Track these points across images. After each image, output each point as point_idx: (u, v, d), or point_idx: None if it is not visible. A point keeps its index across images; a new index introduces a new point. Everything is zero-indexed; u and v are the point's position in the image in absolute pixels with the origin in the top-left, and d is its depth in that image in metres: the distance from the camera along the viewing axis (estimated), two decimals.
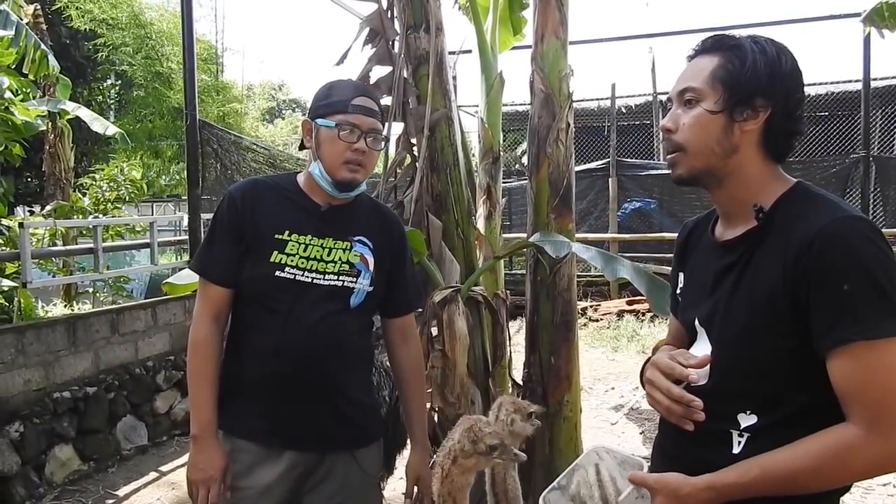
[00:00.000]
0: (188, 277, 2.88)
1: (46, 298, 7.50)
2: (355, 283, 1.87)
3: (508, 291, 3.71)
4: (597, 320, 8.90)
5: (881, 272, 1.17)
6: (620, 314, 8.76)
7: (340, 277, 1.85)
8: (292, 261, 1.82)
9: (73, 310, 6.72)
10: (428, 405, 2.90)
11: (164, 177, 14.34)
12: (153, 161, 13.85)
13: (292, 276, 1.81)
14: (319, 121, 1.84)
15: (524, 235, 3.22)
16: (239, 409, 1.87)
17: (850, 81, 11.16)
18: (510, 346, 3.61)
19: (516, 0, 4.79)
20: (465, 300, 2.94)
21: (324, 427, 1.86)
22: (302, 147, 1.99)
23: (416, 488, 2.04)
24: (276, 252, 1.81)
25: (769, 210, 1.30)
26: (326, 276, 1.84)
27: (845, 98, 11.30)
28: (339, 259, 1.86)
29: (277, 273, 1.81)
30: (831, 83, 11.92)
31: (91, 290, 7.58)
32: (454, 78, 4.72)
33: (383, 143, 1.95)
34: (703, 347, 1.38)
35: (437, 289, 2.90)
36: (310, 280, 1.82)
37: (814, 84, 11.98)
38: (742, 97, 1.30)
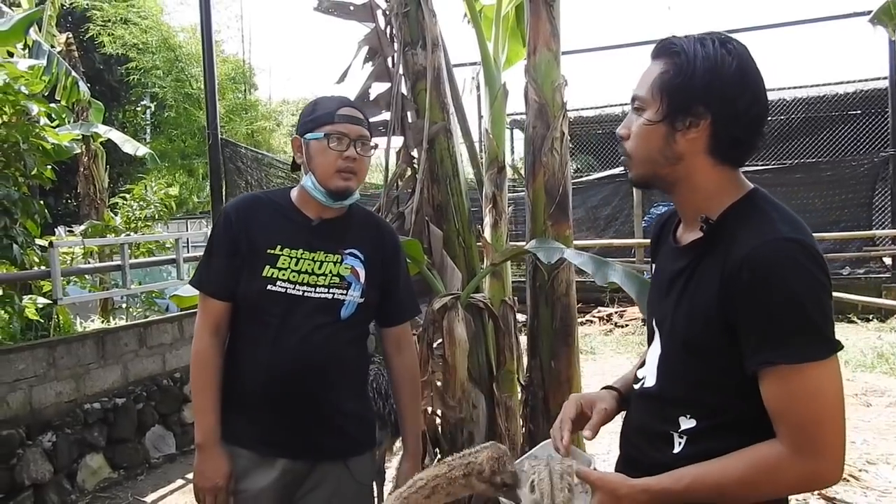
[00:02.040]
0: (192, 290, 3.02)
1: (85, 315, 7.77)
2: (346, 295, 1.92)
3: (516, 298, 3.79)
4: (623, 326, 8.90)
5: (807, 297, 1.17)
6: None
7: (331, 290, 1.91)
8: (284, 275, 1.88)
9: (108, 325, 6.96)
10: (429, 409, 3.00)
11: (197, 194, 14.70)
12: (186, 179, 14.21)
13: (283, 290, 1.88)
14: (308, 135, 1.91)
15: None
16: (234, 418, 1.94)
17: (879, 79, 11.01)
18: (517, 351, 3.68)
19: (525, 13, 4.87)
20: (466, 307, 3.02)
21: (315, 437, 1.92)
22: (294, 167, 2.07)
23: None
24: (268, 266, 1.88)
25: (716, 221, 1.29)
26: (317, 290, 1.90)
27: (876, 96, 11.14)
28: (330, 272, 1.92)
29: (269, 287, 1.87)
30: (860, 81, 11.77)
31: (124, 305, 7.83)
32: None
33: (372, 150, 2.00)
34: (656, 349, 1.42)
35: (438, 296, 2.98)
36: (301, 293, 1.88)
37: (843, 82, 11.85)
38: (679, 106, 1.27)
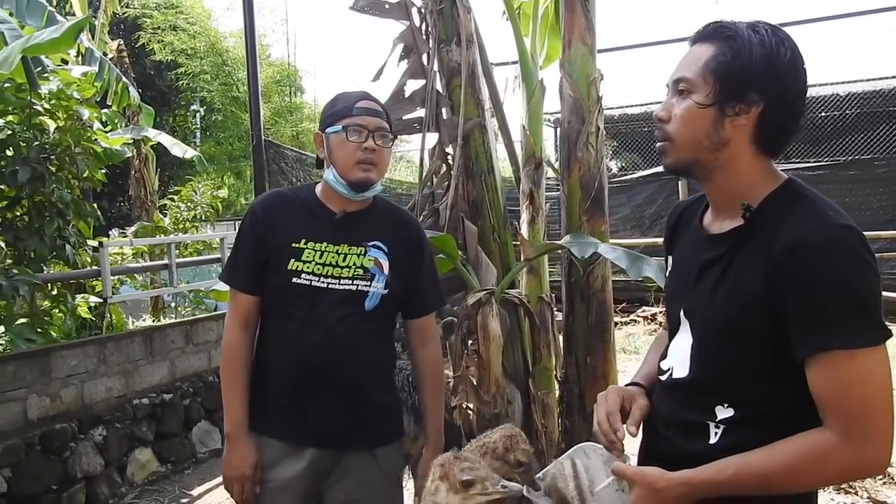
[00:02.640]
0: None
1: (137, 314, 7.98)
2: (369, 286, 1.95)
3: (554, 295, 3.78)
4: None
5: (862, 282, 1.17)
6: None
7: (355, 281, 1.94)
8: (308, 267, 1.92)
9: (158, 323, 7.14)
10: (464, 404, 3.00)
11: (244, 196, 14.98)
12: (234, 181, 14.49)
13: (308, 282, 1.92)
14: (329, 129, 1.95)
15: None
16: (264, 409, 1.99)
17: None
18: (556, 348, 3.67)
19: None
20: (501, 303, 3.02)
21: (342, 427, 1.95)
22: (319, 164, 2.10)
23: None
24: (292, 259, 1.92)
25: (756, 209, 1.28)
26: (342, 281, 1.93)
27: None
28: (354, 264, 1.95)
29: (294, 280, 1.92)
30: None
31: (173, 304, 8.02)
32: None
33: (391, 142, 2.02)
34: (685, 339, 1.39)
35: (472, 291, 2.99)
36: (325, 285, 1.92)
37: (886, 77, 11.49)
38: (733, 91, 1.26)
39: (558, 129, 3.33)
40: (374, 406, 2.01)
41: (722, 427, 1.29)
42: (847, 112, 11.31)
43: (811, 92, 11.67)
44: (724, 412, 1.29)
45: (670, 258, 1.54)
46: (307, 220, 1.99)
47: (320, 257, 1.94)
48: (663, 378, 1.44)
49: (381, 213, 2.07)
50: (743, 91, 1.25)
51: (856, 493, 3.90)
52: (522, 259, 3.28)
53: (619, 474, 1.31)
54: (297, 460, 1.95)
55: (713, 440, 1.30)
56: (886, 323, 1.21)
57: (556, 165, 3.54)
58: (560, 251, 3.14)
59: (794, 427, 1.21)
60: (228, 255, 2.13)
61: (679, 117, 1.32)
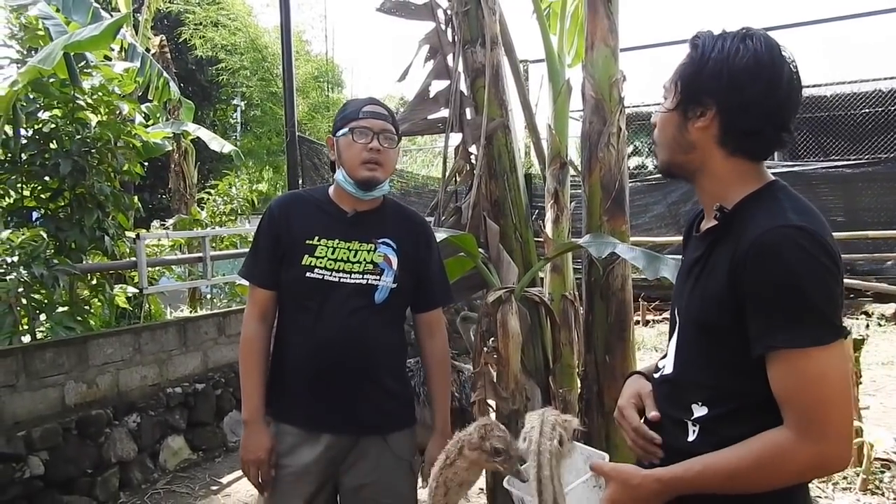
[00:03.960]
0: None
1: (175, 305, 8.19)
2: (379, 280, 2.07)
3: (578, 293, 3.80)
4: None
5: (810, 282, 1.18)
6: None
7: (365, 276, 2.06)
8: (321, 262, 2.04)
9: (192, 314, 7.32)
10: (489, 401, 3.05)
11: (282, 190, 15.18)
12: (272, 175, 14.69)
13: (321, 277, 2.03)
14: (338, 133, 2.10)
15: None
16: (282, 397, 2.11)
17: None
18: (579, 346, 3.69)
19: None
20: (521, 300, 3.05)
21: (356, 413, 2.06)
22: (332, 167, 2.22)
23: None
24: (306, 255, 2.05)
25: (731, 210, 1.32)
26: (353, 276, 2.05)
27: None
28: (364, 260, 2.07)
29: (308, 274, 2.04)
30: None
31: (209, 296, 8.21)
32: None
33: (397, 144, 2.15)
34: (675, 337, 1.45)
35: (492, 289, 3.03)
36: (337, 279, 2.04)
37: None
38: (690, 96, 1.33)
39: (581, 129, 3.34)
40: (386, 393, 2.12)
41: (698, 425, 1.33)
42: (890, 108, 11.06)
43: (850, 89, 11.46)
44: (699, 410, 1.34)
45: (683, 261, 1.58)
46: (321, 219, 2.11)
47: (332, 253, 2.05)
48: (657, 375, 1.50)
49: (390, 213, 2.19)
50: (697, 95, 1.32)
51: (882, 495, 3.87)
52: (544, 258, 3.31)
53: (597, 470, 1.35)
54: (314, 446, 2.06)
55: (691, 437, 1.34)
56: None
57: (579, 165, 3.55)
58: (582, 249, 3.16)
59: (769, 426, 1.23)
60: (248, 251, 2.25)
61: (657, 122, 1.42)
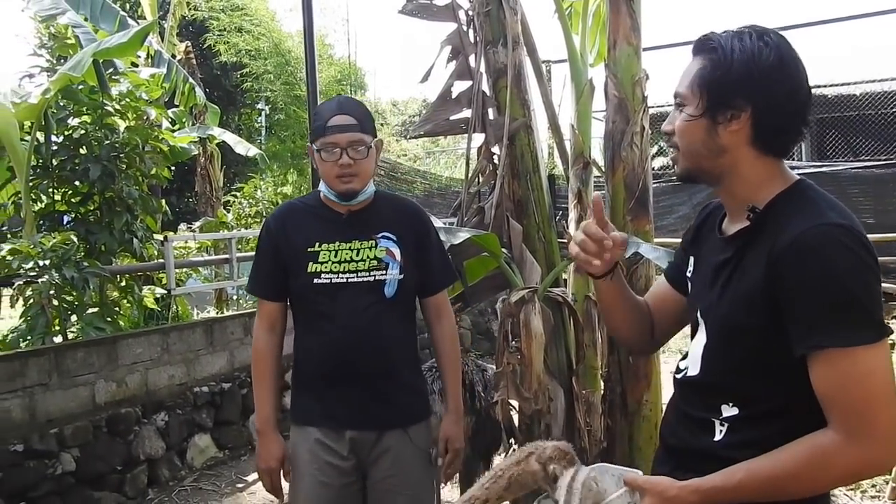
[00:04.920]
0: None
1: (202, 306, 8.29)
2: (385, 275, 2.11)
3: None
4: None
5: (855, 280, 1.18)
6: None
7: (371, 273, 2.10)
8: (326, 267, 2.08)
9: (219, 314, 7.40)
10: (512, 401, 3.06)
11: (307, 192, 15.25)
12: (297, 178, 14.80)
13: (329, 281, 2.08)
14: (314, 145, 2.11)
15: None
16: (304, 400, 2.17)
17: None
18: (602, 346, 3.68)
19: None
20: (544, 300, 3.06)
21: (378, 409, 2.11)
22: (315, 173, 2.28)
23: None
24: (310, 263, 2.09)
25: (762, 210, 1.31)
26: (359, 274, 2.09)
27: None
28: (368, 257, 2.11)
29: (315, 281, 2.08)
30: None
31: (235, 297, 8.29)
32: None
33: (368, 150, 2.10)
34: (700, 339, 1.43)
35: (515, 289, 3.04)
36: (345, 280, 2.08)
37: None
38: (719, 100, 1.30)
39: (604, 128, 3.33)
40: (405, 386, 2.17)
41: (727, 425, 1.32)
42: None
43: (880, 87, 11.28)
44: (729, 410, 1.32)
45: (692, 258, 1.56)
46: (318, 225, 2.15)
47: (335, 256, 2.09)
48: (679, 376, 1.48)
49: (384, 207, 2.23)
50: (728, 98, 1.29)
51: None
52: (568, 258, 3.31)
53: (630, 484, 1.32)
54: (339, 444, 2.10)
55: (718, 437, 1.33)
56: None
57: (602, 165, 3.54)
58: None
59: (798, 426, 1.23)
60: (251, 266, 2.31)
61: (678, 129, 1.38)
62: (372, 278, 2.10)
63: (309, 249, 2.10)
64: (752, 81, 1.27)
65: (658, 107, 10.42)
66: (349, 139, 2.05)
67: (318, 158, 2.09)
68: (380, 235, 2.14)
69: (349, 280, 2.08)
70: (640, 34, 3.17)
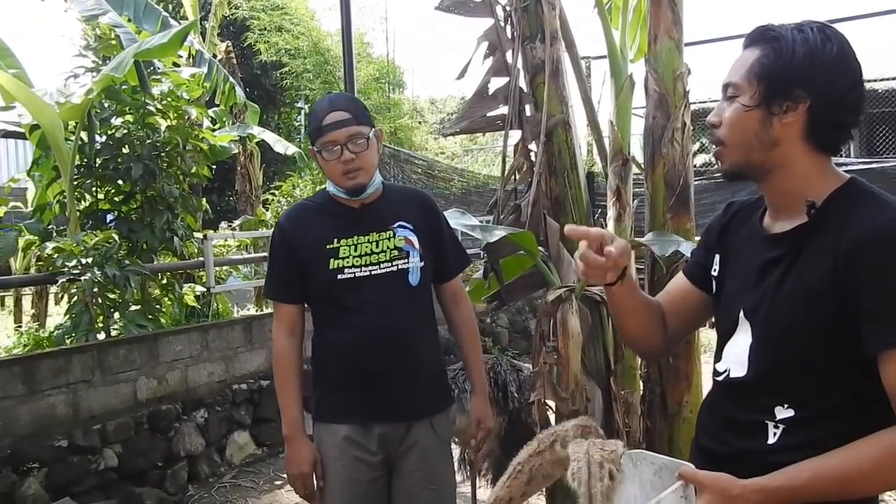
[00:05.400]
0: None
1: (242, 303, 8.38)
2: (407, 263, 2.11)
3: None
4: None
5: None
6: None
7: (394, 262, 2.10)
8: (348, 262, 2.07)
9: (258, 312, 7.47)
10: (541, 400, 3.01)
11: None
12: None
13: (352, 275, 2.07)
14: (314, 147, 2.11)
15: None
16: (330, 399, 2.15)
17: None
18: None
19: None
20: (581, 299, 3.01)
21: (407, 400, 2.11)
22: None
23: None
24: (332, 259, 2.07)
25: (821, 206, 1.27)
26: (382, 265, 2.08)
27: None
28: (388, 247, 2.10)
29: (339, 276, 2.07)
30: None
31: None
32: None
33: (368, 141, 2.08)
34: (744, 339, 1.37)
35: (552, 288, 2.99)
36: (368, 273, 2.07)
37: None
38: (778, 90, 1.27)
39: (643, 124, 3.27)
40: (431, 375, 2.18)
41: (781, 427, 1.28)
42: None
43: None
44: (784, 412, 1.28)
45: (718, 257, 1.51)
46: (333, 222, 2.14)
47: (356, 250, 2.09)
48: (720, 379, 1.42)
49: (394, 197, 2.23)
50: (788, 89, 1.26)
51: None
52: None
53: (690, 478, 1.25)
54: (368, 439, 2.09)
55: (772, 440, 1.28)
56: None
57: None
58: (643, 248, 3.09)
59: (856, 426, 1.20)
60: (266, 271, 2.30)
61: (728, 120, 1.34)
62: (395, 268, 2.09)
63: (328, 247, 2.09)
64: (814, 73, 1.25)
65: (700, 102, 10.22)
66: (347, 134, 2.04)
67: (321, 159, 2.09)
68: (396, 225, 2.14)
69: (373, 272, 2.07)
70: (681, 28, 3.09)
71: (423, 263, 2.13)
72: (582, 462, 1.28)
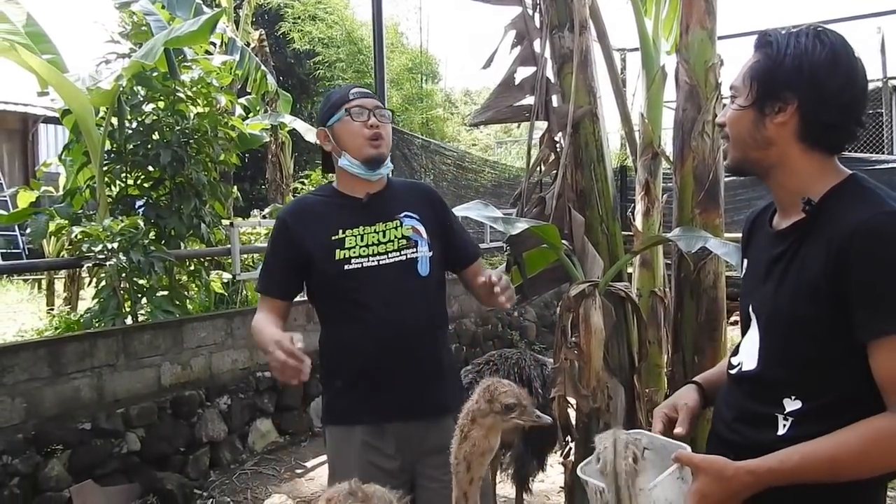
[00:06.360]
0: None
1: None
2: (416, 252, 2.04)
3: (668, 290, 3.63)
4: None
5: None
6: None
7: (402, 252, 2.03)
8: (354, 252, 2.00)
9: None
10: (562, 396, 2.96)
11: None
12: None
13: (360, 265, 2.00)
14: (331, 120, 2.07)
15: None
16: (345, 399, 2.06)
17: None
18: (668, 344, 3.53)
19: None
20: (606, 295, 2.94)
21: (423, 393, 2.02)
22: (326, 167, 2.21)
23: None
24: (337, 250, 2.00)
25: (818, 202, 1.33)
26: (389, 255, 2.02)
27: None
28: (395, 237, 2.04)
29: (346, 267, 1.99)
30: None
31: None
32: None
33: (390, 121, 2.15)
34: (754, 334, 1.42)
35: (575, 283, 2.93)
36: (376, 263, 2.00)
37: None
38: (767, 92, 1.34)
39: (673, 117, 3.19)
40: (445, 370, 2.12)
41: (790, 419, 1.32)
42: None
43: None
44: (792, 404, 1.33)
45: (745, 261, 1.57)
46: (337, 213, 2.07)
47: (362, 240, 2.02)
48: (732, 372, 1.48)
49: (399, 188, 2.20)
50: (777, 90, 1.34)
51: None
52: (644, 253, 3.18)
53: (685, 461, 1.31)
54: (385, 441, 2.01)
55: (781, 431, 1.33)
56: None
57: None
58: (671, 244, 3.02)
59: (863, 416, 1.23)
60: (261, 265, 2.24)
61: (728, 120, 1.43)
62: (404, 257, 2.03)
63: (333, 238, 2.02)
64: (801, 75, 1.31)
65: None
66: (375, 104, 2.09)
67: (344, 126, 2.05)
68: (402, 215, 2.09)
69: (381, 262, 2.01)
70: (714, 18, 3.00)
71: (431, 253, 2.07)
72: (608, 443, 1.34)
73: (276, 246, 2.13)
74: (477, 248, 2.34)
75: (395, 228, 2.05)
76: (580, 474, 1.39)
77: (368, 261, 2.01)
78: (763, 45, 1.38)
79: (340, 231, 2.03)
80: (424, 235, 2.07)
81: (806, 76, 1.31)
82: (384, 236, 2.04)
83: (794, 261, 1.34)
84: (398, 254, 2.03)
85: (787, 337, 1.34)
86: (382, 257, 2.01)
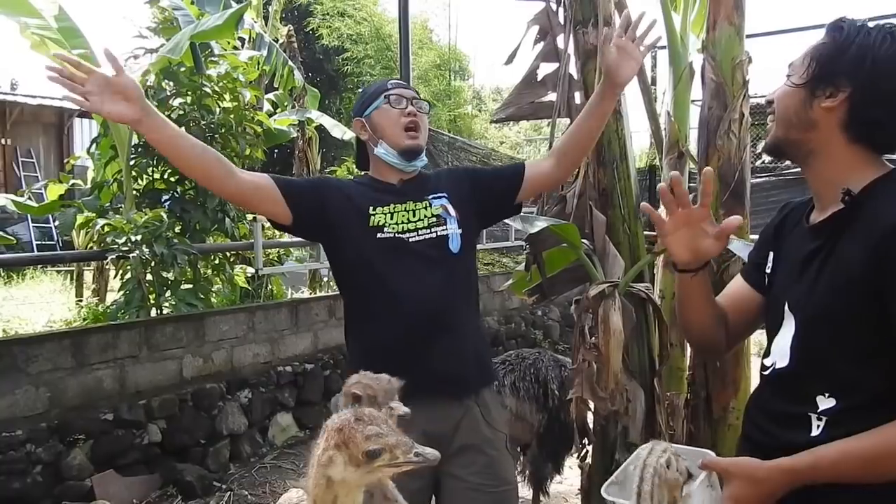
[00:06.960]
0: None
1: (297, 287, 8.46)
2: (446, 230, 2.03)
3: None
4: None
5: None
6: None
7: (433, 229, 2.02)
8: (387, 221, 2.00)
9: (303, 296, 7.53)
10: (579, 397, 2.91)
11: None
12: None
13: (392, 234, 1.99)
14: (369, 109, 2.08)
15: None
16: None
17: None
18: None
19: None
20: (626, 296, 2.89)
21: (458, 372, 1.99)
22: (361, 164, 2.22)
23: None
24: (371, 217, 2.00)
25: (858, 195, 1.29)
26: (420, 232, 2.01)
27: None
28: (425, 215, 2.04)
29: (378, 235, 1.98)
30: None
31: (326, 279, 8.41)
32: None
33: (427, 112, 2.17)
34: (788, 331, 1.38)
35: (595, 283, 2.89)
36: (407, 238, 1.99)
37: None
38: (824, 74, 1.32)
39: (699, 115, 3.13)
40: (479, 344, 2.13)
41: (825, 419, 1.28)
42: None
43: None
44: (825, 402, 1.29)
45: (771, 254, 1.54)
46: (371, 193, 2.08)
47: (391, 218, 2.02)
48: (766, 373, 1.44)
49: (430, 176, 2.22)
50: (832, 75, 1.31)
51: None
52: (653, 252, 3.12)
53: (713, 467, 1.28)
54: (429, 412, 1.84)
55: (815, 432, 1.28)
56: None
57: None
58: None
59: None
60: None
61: (777, 96, 1.42)
62: (434, 235, 2.02)
63: (366, 210, 2.02)
64: (860, 66, 1.29)
65: (761, 97, 9.79)
66: (413, 94, 2.13)
67: (382, 114, 2.07)
68: (432, 196, 2.09)
69: (410, 239, 1.99)
70: (743, 14, 2.93)
71: (461, 231, 2.06)
72: (648, 446, 1.31)
73: (311, 180, 2.21)
74: (518, 164, 2.29)
75: (426, 209, 2.06)
76: (605, 496, 1.33)
77: (401, 233, 2.00)
78: (833, 30, 1.36)
79: (371, 208, 2.03)
80: (453, 213, 2.07)
81: (866, 68, 1.29)
82: (414, 215, 2.04)
83: (832, 255, 1.31)
84: (428, 231, 2.02)
85: (823, 332, 1.31)
86: (412, 234, 2.01)
